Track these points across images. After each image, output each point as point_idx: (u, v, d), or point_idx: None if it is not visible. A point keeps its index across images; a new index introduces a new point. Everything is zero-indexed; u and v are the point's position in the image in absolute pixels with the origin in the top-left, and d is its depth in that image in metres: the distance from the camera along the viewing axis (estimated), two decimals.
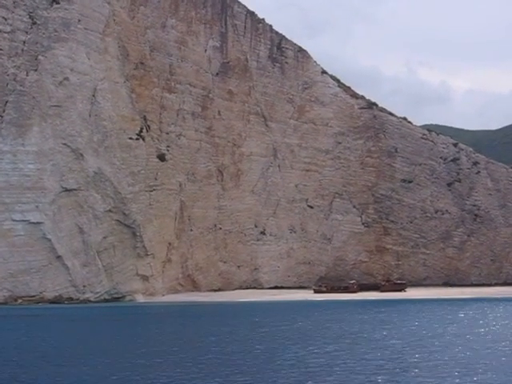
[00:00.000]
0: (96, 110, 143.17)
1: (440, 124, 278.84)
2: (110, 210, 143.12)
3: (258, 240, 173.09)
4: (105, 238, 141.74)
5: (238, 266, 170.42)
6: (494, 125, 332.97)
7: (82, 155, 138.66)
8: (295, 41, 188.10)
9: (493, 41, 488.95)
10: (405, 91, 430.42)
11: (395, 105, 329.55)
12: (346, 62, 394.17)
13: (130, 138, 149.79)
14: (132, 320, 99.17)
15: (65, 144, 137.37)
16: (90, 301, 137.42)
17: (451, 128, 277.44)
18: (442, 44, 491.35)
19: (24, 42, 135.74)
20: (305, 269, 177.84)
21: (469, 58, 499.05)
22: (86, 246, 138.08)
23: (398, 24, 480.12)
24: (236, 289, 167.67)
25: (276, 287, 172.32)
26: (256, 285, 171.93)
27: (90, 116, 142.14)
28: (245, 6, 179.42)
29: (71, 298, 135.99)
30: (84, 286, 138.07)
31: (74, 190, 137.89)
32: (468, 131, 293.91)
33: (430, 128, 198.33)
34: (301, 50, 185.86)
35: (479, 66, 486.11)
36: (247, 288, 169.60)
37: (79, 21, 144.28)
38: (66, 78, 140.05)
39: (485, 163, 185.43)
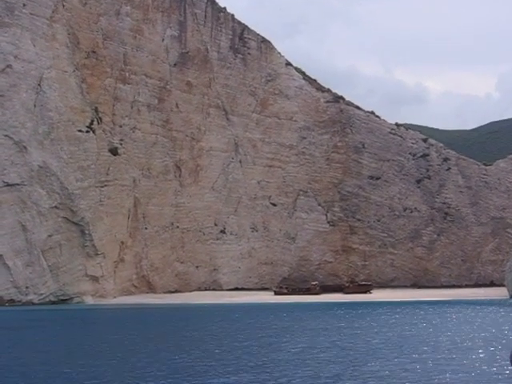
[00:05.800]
0: (41, 100, 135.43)
1: (415, 123, 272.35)
2: (55, 207, 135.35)
3: (217, 239, 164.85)
4: (50, 236, 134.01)
5: (197, 267, 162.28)
6: (470, 126, 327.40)
7: (25, 148, 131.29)
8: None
9: (466, 45, 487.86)
10: (382, 91, 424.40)
11: (372, 104, 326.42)
12: (323, 61, 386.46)
13: (80, 131, 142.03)
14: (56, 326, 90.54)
15: (7, 136, 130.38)
16: (33, 303, 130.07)
17: (426, 127, 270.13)
18: (417, 46, 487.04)
19: None
20: (267, 269, 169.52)
21: (443, 60, 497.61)
22: (30, 245, 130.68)
23: (375, 24, 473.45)
24: (194, 290, 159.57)
25: (236, 289, 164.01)
26: (215, 286, 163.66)
27: (34, 106, 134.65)
28: None
29: (13, 300, 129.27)
30: (27, 287, 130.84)
31: (17, 184, 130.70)
32: (443, 131, 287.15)
33: (404, 127, 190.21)
34: (264, 40, 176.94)
35: (453, 69, 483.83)
36: (206, 289, 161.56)
37: (24, 5, 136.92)
38: (9, 66, 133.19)
39: (456, 159, 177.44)
